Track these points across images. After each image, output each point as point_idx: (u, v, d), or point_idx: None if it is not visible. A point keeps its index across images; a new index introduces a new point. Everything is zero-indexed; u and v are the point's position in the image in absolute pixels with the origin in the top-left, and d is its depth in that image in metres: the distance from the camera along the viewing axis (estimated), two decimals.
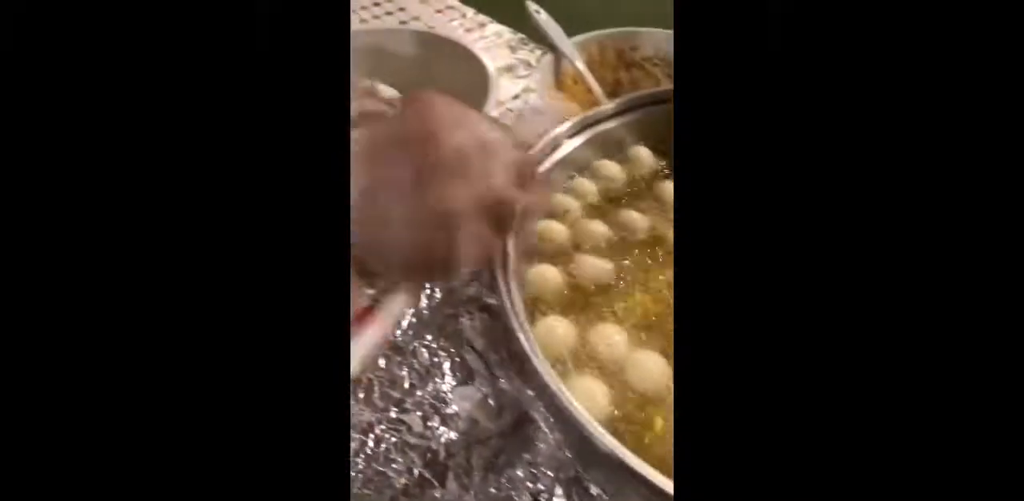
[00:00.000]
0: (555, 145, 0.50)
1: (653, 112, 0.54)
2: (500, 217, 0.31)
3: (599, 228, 0.47)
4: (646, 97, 0.54)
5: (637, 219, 0.47)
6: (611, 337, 0.38)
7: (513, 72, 0.89)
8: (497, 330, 0.50)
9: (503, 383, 0.48)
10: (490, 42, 0.95)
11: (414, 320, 0.52)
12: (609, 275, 0.43)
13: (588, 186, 0.51)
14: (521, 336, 0.33)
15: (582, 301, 0.41)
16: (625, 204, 0.49)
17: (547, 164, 0.48)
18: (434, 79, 0.71)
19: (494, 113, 0.69)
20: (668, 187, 0.51)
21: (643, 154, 0.54)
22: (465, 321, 0.52)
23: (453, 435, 0.45)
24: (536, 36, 0.73)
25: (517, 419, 0.46)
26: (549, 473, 0.43)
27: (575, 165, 0.52)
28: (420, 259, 0.29)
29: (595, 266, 0.43)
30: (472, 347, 0.50)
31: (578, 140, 0.51)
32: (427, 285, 0.51)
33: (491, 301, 0.51)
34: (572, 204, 0.49)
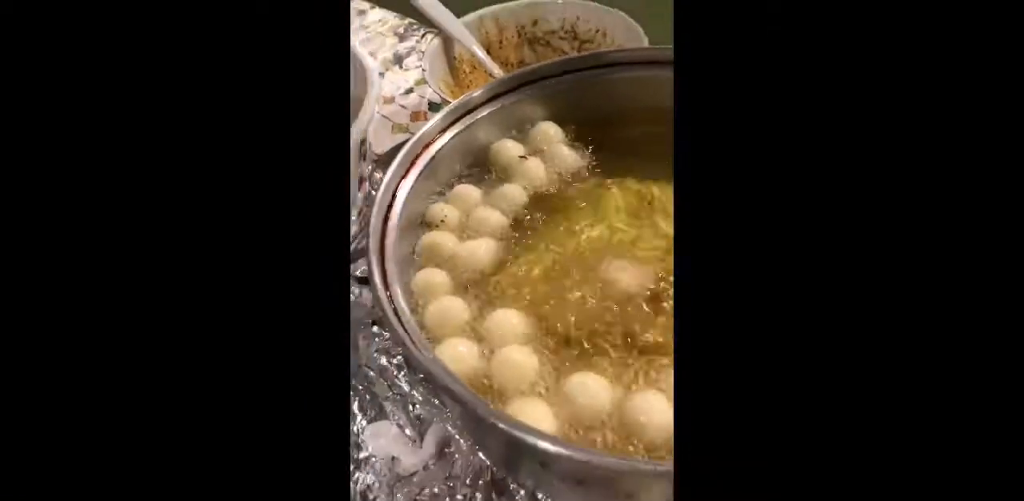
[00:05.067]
0: (426, 143, 0.43)
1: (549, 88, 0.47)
2: None
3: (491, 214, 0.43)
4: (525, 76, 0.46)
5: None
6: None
7: (403, 63, 0.76)
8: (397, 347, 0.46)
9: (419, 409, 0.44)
10: (373, 31, 0.82)
11: None
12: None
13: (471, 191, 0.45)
14: (419, 354, 0.32)
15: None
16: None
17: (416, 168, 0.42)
18: None
19: (377, 112, 0.57)
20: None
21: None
22: (361, 343, 0.47)
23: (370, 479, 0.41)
24: (427, 20, 0.61)
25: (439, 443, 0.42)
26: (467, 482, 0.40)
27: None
28: None
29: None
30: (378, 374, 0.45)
31: (450, 134, 0.44)
32: None
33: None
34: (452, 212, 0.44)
